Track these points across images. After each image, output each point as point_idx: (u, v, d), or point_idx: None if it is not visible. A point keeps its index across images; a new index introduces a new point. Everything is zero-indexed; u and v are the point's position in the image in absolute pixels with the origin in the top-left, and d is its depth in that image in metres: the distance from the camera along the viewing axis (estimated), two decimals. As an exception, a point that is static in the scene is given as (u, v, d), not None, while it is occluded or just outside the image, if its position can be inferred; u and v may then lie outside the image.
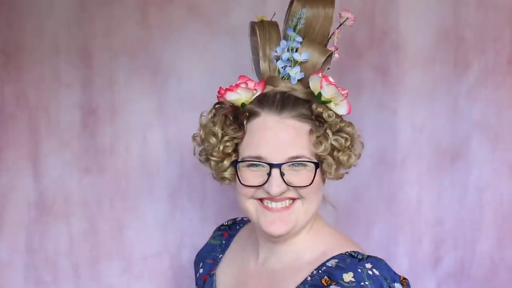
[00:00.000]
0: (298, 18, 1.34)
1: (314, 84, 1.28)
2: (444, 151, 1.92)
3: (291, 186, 1.26)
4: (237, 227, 1.56)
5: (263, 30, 1.35)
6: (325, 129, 1.27)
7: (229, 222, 1.59)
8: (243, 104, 1.30)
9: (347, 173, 1.33)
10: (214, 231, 1.60)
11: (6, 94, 1.74)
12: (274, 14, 1.38)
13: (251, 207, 1.31)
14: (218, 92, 1.32)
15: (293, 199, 1.28)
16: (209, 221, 1.84)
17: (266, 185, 1.25)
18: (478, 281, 1.96)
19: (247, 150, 1.28)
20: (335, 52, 1.37)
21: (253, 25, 1.38)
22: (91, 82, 1.75)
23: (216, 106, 1.34)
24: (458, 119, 1.91)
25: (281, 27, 1.37)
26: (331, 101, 1.28)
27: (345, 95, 1.29)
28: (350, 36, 1.78)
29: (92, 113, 1.76)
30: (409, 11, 1.86)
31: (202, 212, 1.85)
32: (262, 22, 1.37)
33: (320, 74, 1.28)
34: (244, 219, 1.56)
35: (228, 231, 1.56)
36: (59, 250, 1.80)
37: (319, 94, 1.28)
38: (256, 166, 1.27)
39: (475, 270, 1.97)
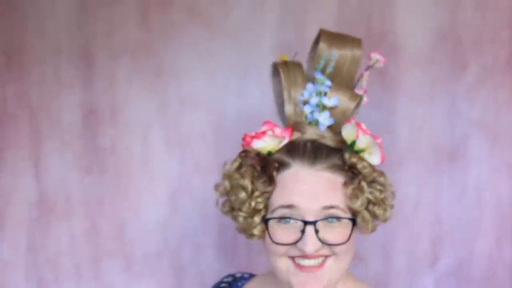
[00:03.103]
0: (327, 60, 1.26)
1: (348, 133, 1.22)
2: (442, 151, 1.93)
3: (325, 243, 1.19)
4: (239, 284, 1.44)
5: (287, 72, 1.27)
6: (360, 181, 1.21)
7: (228, 278, 1.47)
8: (269, 153, 1.23)
9: (383, 221, 1.28)
10: None
11: (8, 95, 1.75)
12: (296, 53, 1.32)
13: (282, 266, 1.21)
14: (243, 139, 1.24)
15: (326, 256, 1.21)
16: (208, 220, 1.85)
17: (299, 244, 1.17)
18: (477, 280, 1.97)
19: (279, 199, 1.20)
20: (364, 95, 1.32)
21: (276, 66, 1.30)
22: (92, 83, 1.76)
23: (241, 155, 1.25)
24: (457, 119, 1.92)
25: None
26: (364, 151, 1.23)
27: (380, 144, 1.23)
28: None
29: (93, 113, 1.77)
30: (407, 12, 1.86)
31: (202, 211, 1.86)
32: (285, 63, 1.29)
33: (353, 122, 1.22)
34: (245, 275, 1.46)
35: None
36: (60, 250, 1.81)
37: (353, 143, 1.22)
38: (288, 222, 1.19)
39: (474, 269, 1.97)
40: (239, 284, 1.44)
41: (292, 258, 1.21)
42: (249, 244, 1.88)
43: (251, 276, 1.45)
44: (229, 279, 1.46)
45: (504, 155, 1.94)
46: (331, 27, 1.37)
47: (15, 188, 1.77)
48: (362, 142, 1.21)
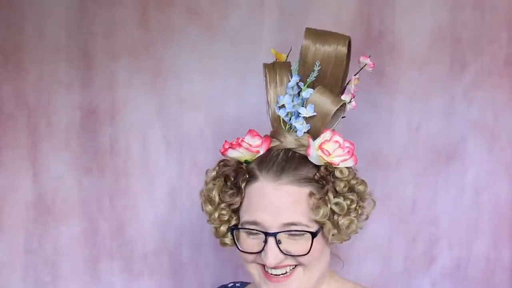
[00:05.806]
0: (310, 69, 1.22)
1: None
2: (440, 151, 1.93)
3: (289, 255, 1.19)
4: None
5: (273, 73, 1.25)
6: (327, 191, 1.19)
7: None
8: (246, 161, 1.24)
9: (356, 232, 1.26)
10: None
11: (5, 94, 1.74)
12: (291, 49, 1.31)
13: (254, 272, 1.25)
14: (222, 146, 1.25)
15: (294, 266, 1.22)
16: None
17: (262, 254, 1.19)
18: (474, 281, 1.97)
19: (245, 214, 1.22)
20: (352, 99, 1.28)
21: (264, 67, 1.28)
22: (91, 83, 1.76)
23: (220, 164, 1.26)
24: (454, 120, 1.92)
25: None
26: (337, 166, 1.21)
27: (350, 152, 1.20)
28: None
29: (92, 113, 1.77)
30: (405, 12, 1.86)
31: (200, 211, 1.85)
32: (273, 64, 1.27)
33: (325, 134, 1.20)
34: (237, 284, 1.48)
35: None
36: (58, 250, 1.80)
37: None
38: (254, 233, 1.21)
39: (471, 270, 1.97)
40: None
41: (262, 265, 1.23)
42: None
43: (244, 284, 1.46)
44: None
45: (501, 156, 1.95)
46: (331, 28, 1.37)
47: (12, 188, 1.77)
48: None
